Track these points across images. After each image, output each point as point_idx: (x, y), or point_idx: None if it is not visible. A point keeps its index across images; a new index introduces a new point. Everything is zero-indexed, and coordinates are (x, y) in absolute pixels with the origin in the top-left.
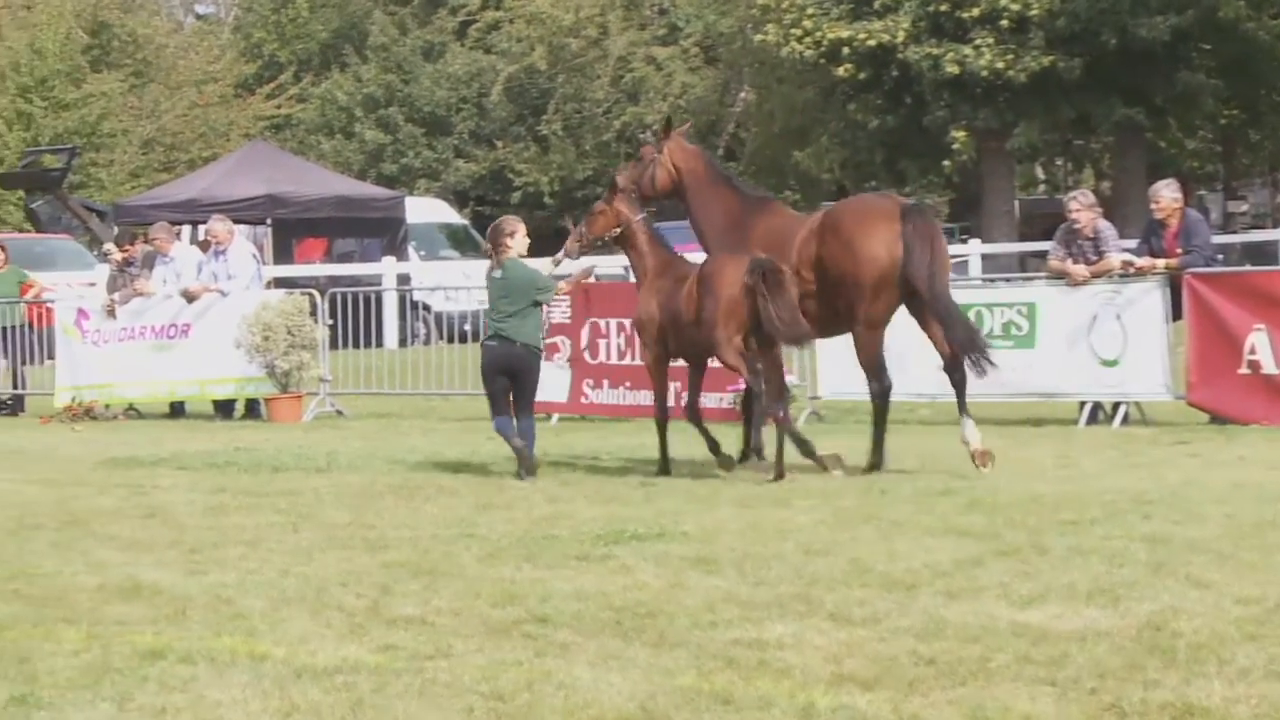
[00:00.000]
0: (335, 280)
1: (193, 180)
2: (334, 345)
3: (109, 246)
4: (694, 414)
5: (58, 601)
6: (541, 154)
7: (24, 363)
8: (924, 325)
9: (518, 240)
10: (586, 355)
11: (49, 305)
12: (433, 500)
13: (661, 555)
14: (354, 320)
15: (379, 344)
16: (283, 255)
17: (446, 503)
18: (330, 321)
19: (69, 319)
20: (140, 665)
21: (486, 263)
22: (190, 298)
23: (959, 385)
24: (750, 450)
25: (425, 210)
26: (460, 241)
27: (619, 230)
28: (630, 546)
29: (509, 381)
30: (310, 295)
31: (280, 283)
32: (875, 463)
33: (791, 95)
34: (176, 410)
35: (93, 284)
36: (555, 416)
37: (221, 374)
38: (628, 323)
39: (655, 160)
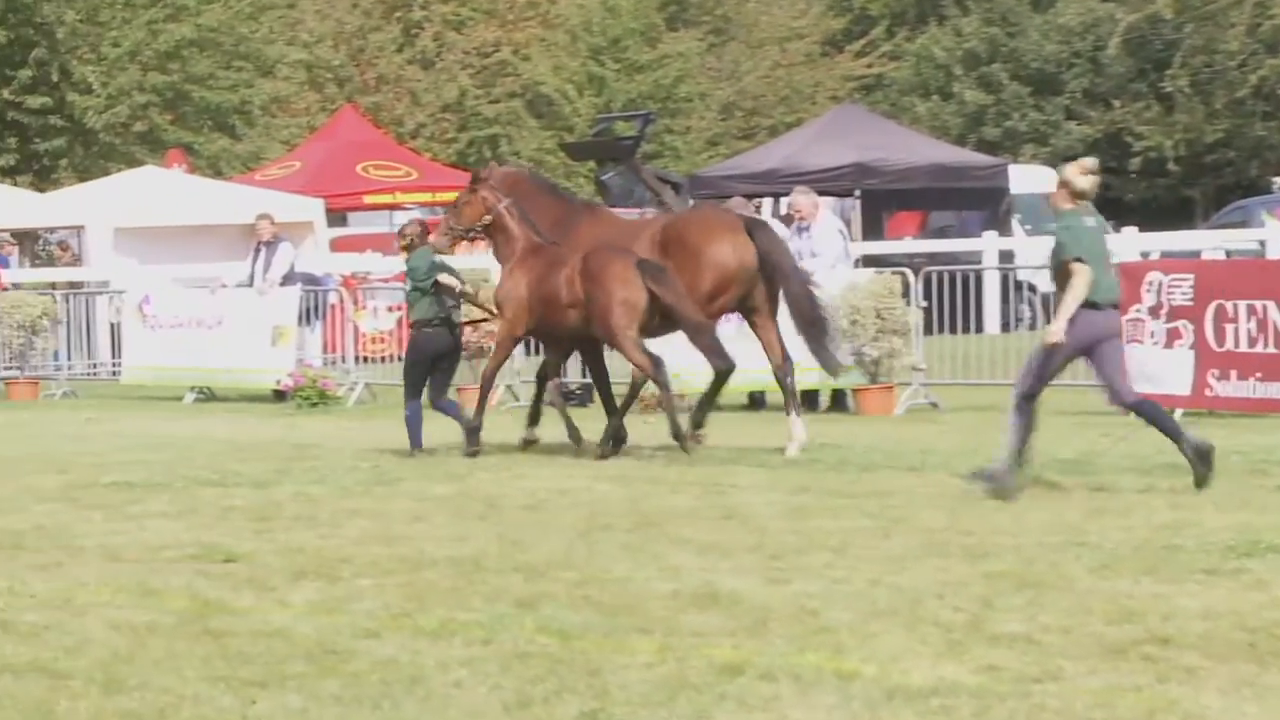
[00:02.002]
0: (930, 258)
1: (774, 148)
2: (928, 330)
3: None
4: (557, 394)
5: (629, 610)
6: (1165, 114)
7: None
8: (757, 328)
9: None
10: (1212, 342)
11: None
12: (1038, 504)
13: None
14: (951, 303)
15: (978, 329)
16: (872, 230)
17: (1054, 507)
18: (924, 304)
19: None
20: (718, 681)
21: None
22: None
23: (791, 389)
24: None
25: (1032, 179)
26: None
27: (489, 218)
28: (1266, 560)
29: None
30: (902, 275)
31: (869, 261)
32: (698, 420)
33: None
34: (756, 401)
35: None
36: (1179, 411)
37: (806, 363)
38: (1260, 305)
39: (477, 191)
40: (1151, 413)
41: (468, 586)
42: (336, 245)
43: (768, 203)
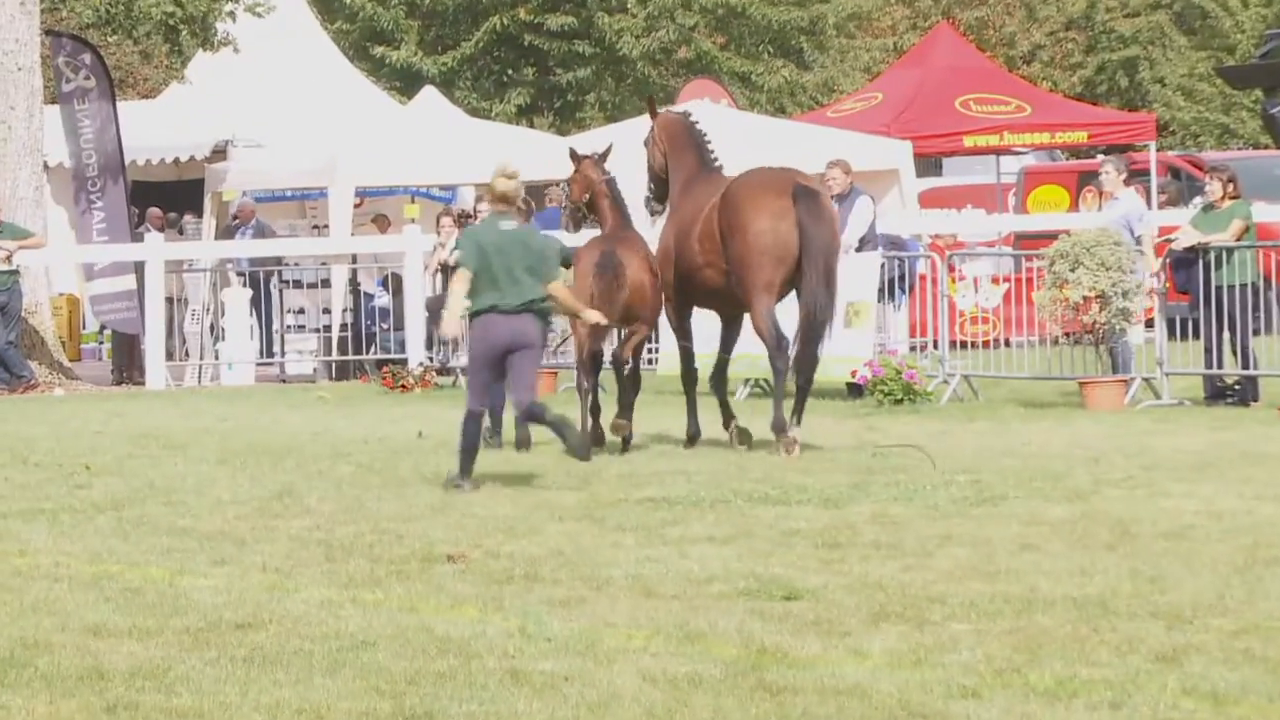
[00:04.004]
0: None
1: None
2: None
3: None
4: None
5: None
6: None
7: (1253, 333)
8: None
9: None
10: None
11: None
12: None
13: None
14: None
15: None
16: None
17: None
18: None
19: None
20: None
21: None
22: None
23: (781, 374)
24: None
25: None
26: None
27: (588, 195)
28: None
29: None
30: None
31: None
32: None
33: None
34: None
35: None
36: None
37: None
38: None
39: (651, 138)
40: (539, 414)
41: (1092, 635)
42: (926, 199)
43: None
